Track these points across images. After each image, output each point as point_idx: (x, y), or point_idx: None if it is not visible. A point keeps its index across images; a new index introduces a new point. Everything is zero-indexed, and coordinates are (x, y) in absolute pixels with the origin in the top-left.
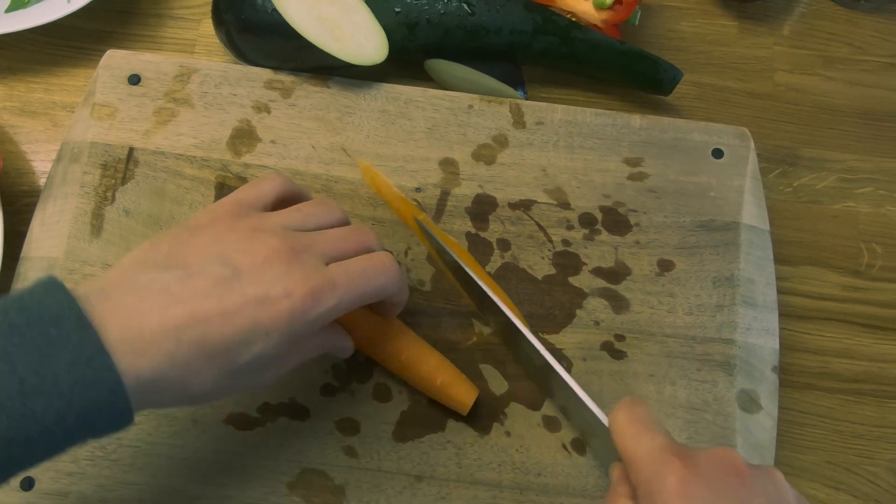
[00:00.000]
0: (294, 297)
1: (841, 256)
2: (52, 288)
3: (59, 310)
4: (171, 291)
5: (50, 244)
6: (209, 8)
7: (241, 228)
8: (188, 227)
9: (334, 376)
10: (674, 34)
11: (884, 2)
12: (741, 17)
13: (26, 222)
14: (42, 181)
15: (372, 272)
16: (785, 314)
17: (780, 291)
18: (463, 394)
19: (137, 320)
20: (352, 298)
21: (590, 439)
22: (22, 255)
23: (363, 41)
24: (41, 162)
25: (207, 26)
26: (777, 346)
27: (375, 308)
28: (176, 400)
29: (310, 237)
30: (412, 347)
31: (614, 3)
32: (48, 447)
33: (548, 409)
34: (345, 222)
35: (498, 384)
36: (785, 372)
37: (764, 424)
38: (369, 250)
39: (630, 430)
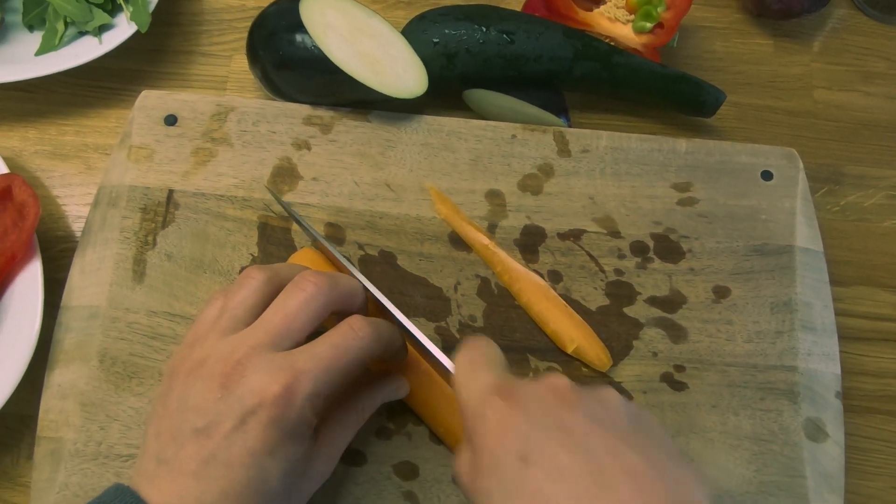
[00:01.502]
0: (265, 404)
1: (893, 275)
2: (119, 493)
3: None
4: (176, 467)
5: (91, 292)
6: (240, 44)
7: (196, 372)
8: (161, 394)
9: (388, 418)
10: (710, 55)
11: None
12: (776, 36)
13: (63, 268)
14: (76, 225)
15: (342, 342)
16: (841, 336)
17: (834, 313)
18: None
19: (181, 500)
20: (329, 377)
21: None
22: (63, 303)
23: (403, 74)
24: (75, 206)
25: (238, 62)
26: (839, 371)
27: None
28: None
29: (254, 335)
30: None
31: (654, 27)
32: None
33: None
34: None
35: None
36: (845, 396)
37: (831, 453)
38: (327, 305)
39: (461, 375)
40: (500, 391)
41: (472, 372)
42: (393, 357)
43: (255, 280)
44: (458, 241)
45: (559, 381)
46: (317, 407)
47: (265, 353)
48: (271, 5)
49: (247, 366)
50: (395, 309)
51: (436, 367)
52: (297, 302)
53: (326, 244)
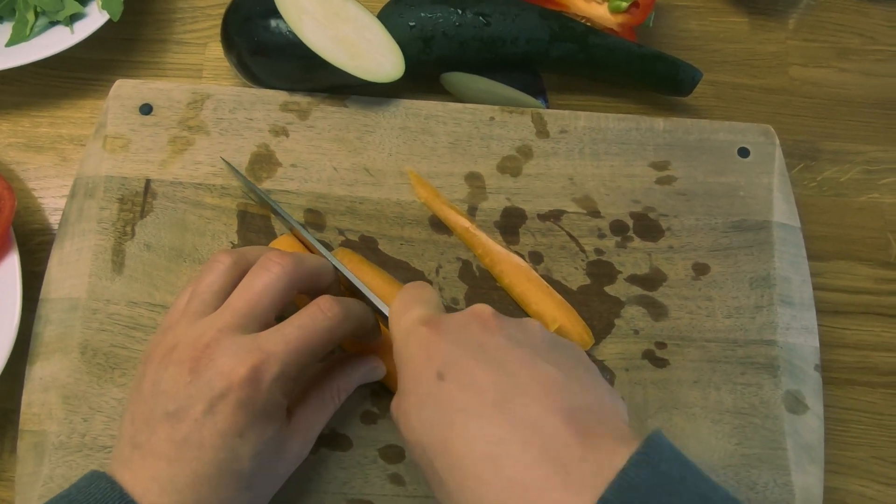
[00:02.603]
0: (234, 387)
1: (870, 248)
2: (94, 479)
3: (103, 495)
4: (149, 450)
5: (70, 284)
6: (214, 32)
7: (167, 358)
8: (136, 381)
9: (373, 403)
10: (686, 34)
11: None
12: (752, 13)
13: (41, 261)
14: (53, 218)
15: (310, 323)
16: (820, 310)
17: (813, 287)
18: None
19: (146, 484)
20: (297, 358)
21: None
22: (41, 296)
23: (380, 58)
24: (51, 198)
25: (213, 50)
26: (817, 345)
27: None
28: None
29: (221, 318)
30: None
31: (630, 7)
32: None
33: None
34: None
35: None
36: (825, 369)
37: (811, 425)
38: (294, 282)
39: (394, 314)
40: (426, 321)
41: (403, 310)
42: (365, 337)
43: (222, 264)
44: (438, 225)
45: (482, 309)
46: (286, 388)
47: (233, 336)
48: None
49: (215, 349)
50: (339, 264)
51: (380, 317)
52: (261, 282)
53: (283, 213)
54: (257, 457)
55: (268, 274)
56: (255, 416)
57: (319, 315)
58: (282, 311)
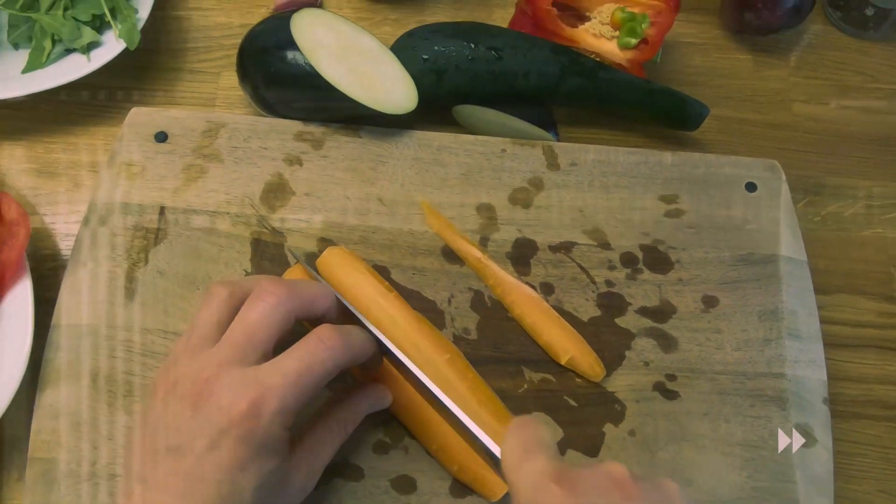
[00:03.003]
0: (234, 422)
1: (874, 283)
2: None
3: None
4: (154, 486)
5: (82, 310)
6: (228, 61)
7: (171, 393)
8: (142, 414)
9: (385, 433)
10: (692, 69)
11: (890, 31)
12: (755, 51)
13: (53, 287)
14: (64, 244)
15: (308, 355)
16: (824, 343)
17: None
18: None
19: None
20: (297, 391)
21: None
22: (53, 322)
23: (393, 90)
24: (63, 224)
25: (227, 79)
26: (825, 378)
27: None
28: None
29: (220, 352)
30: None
31: (639, 43)
32: None
33: (605, 453)
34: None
35: (552, 431)
36: (830, 402)
37: (820, 458)
38: (290, 312)
39: (512, 458)
40: (557, 478)
41: (523, 455)
42: (367, 365)
43: (218, 297)
44: (450, 255)
45: (617, 469)
46: (287, 421)
47: (232, 370)
48: (260, 23)
49: (214, 384)
50: (430, 382)
51: (478, 449)
52: (257, 314)
53: (351, 309)
54: (259, 489)
55: (263, 304)
56: (257, 450)
57: (319, 346)
58: (283, 338)
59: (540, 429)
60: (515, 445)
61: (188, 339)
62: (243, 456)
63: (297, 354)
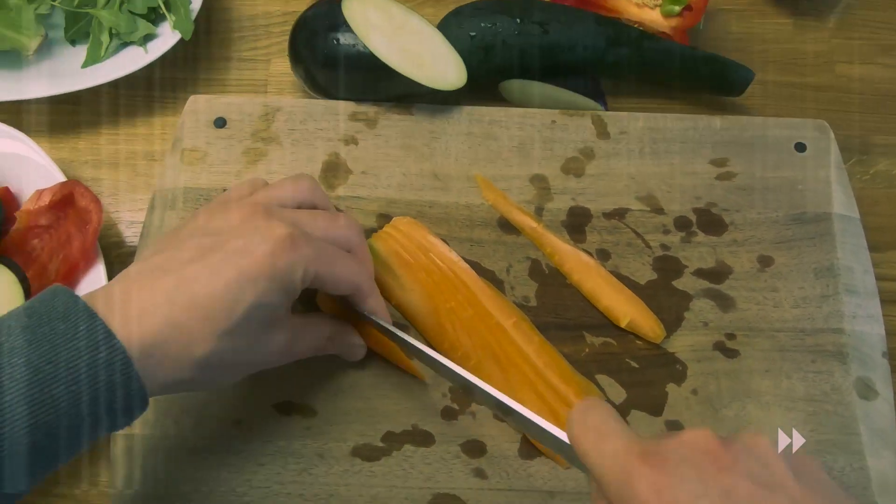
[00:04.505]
0: (271, 240)
1: None
2: (57, 292)
3: (65, 307)
4: (160, 267)
5: None
6: (277, 48)
7: (224, 206)
8: (177, 226)
9: (452, 399)
10: (733, 35)
11: None
12: (795, 14)
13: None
14: (129, 231)
15: (344, 256)
16: (880, 299)
17: None
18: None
19: (132, 298)
20: (327, 257)
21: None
22: None
23: (443, 67)
24: (127, 212)
25: (277, 65)
26: (883, 332)
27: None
28: (183, 368)
29: (289, 212)
30: None
31: (682, 10)
32: (70, 434)
33: (669, 413)
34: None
35: (616, 393)
36: (889, 356)
37: (882, 410)
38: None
39: (585, 443)
40: (644, 457)
41: (598, 439)
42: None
43: (306, 187)
44: (506, 226)
45: (704, 438)
46: (307, 276)
47: (291, 220)
48: (310, 8)
49: (272, 215)
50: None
51: (540, 438)
52: (337, 225)
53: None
54: (255, 308)
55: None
56: (272, 273)
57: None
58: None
59: (605, 408)
60: (586, 429)
61: (263, 194)
62: (261, 271)
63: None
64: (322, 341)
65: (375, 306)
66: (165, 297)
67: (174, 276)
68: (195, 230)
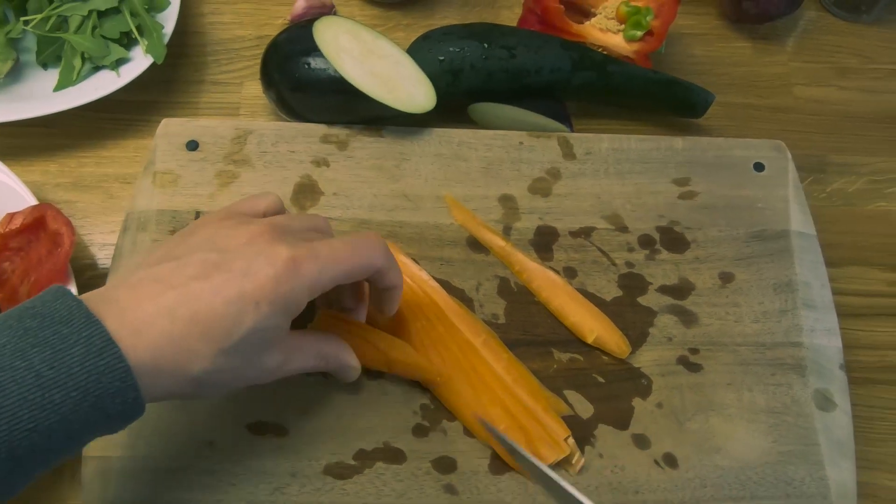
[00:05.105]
0: (276, 264)
1: (882, 254)
2: (59, 294)
3: (68, 311)
4: (164, 280)
5: None
6: (249, 71)
7: (229, 223)
8: (181, 233)
9: (423, 416)
10: (695, 59)
11: (884, 13)
12: (754, 38)
13: None
14: (102, 253)
15: (356, 246)
16: (837, 314)
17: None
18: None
19: (133, 308)
20: (335, 271)
21: None
22: None
23: (413, 90)
24: (99, 234)
25: (250, 88)
26: (840, 345)
27: (374, 302)
28: (179, 382)
29: (293, 228)
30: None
31: (644, 35)
32: (67, 437)
33: (635, 426)
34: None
35: (584, 408)
36: (847, 369)
37: (840, 422)
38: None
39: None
40: None
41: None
42: (385, 294)
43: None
44: (475, 245)
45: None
46: (312, 293)
47: (298, 238)
48: (282, 32)
49: (282, 236)
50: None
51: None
52: (349, 239)
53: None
54: (250, 334)
55: (359, 242)
56: (275, 296)
57: (366, 241)
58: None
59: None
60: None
61: (219, 211)
62: (263, 295)
63: (345, 239)
64: (317, 360)
65: (395, 279)
66: (167, 312)
67: (177, 291)
68: (202, 243)
